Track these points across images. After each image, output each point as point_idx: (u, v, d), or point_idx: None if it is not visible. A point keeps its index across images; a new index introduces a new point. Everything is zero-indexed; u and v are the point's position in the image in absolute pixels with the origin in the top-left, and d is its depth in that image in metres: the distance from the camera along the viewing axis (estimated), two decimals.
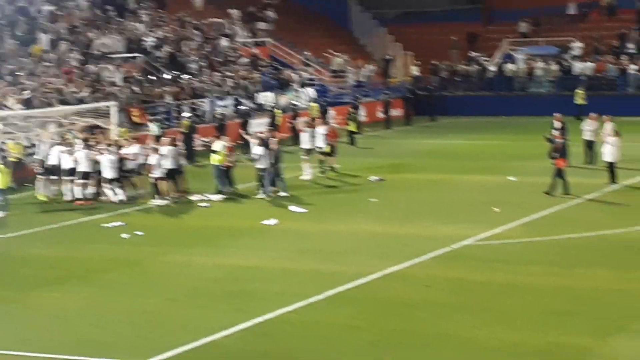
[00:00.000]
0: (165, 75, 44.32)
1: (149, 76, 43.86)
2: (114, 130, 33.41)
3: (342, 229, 24.76)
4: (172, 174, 29.01)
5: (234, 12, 55.01)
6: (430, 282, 19.20)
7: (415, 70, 57.76)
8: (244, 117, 40.82)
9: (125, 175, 29.26)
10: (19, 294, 19.27)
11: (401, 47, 60.33)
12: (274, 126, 40.21)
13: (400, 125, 49.59)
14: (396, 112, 51.37)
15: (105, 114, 34.04)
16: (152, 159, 28.48)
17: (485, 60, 56.84)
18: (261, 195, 28.92)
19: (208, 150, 32.22)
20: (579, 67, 53.35)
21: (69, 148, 29.22)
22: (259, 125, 39.58)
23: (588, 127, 33.87)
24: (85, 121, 33.57)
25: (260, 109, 45.49)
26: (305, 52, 54.97)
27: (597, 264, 20.52)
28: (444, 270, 20.27)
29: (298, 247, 22.68)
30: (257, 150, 29.50)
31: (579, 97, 48.32)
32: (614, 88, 52.32)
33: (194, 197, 29.14)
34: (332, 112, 46.68)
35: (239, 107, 44.51)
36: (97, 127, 33.66)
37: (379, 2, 64.28)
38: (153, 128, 37.02)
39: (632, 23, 57.07)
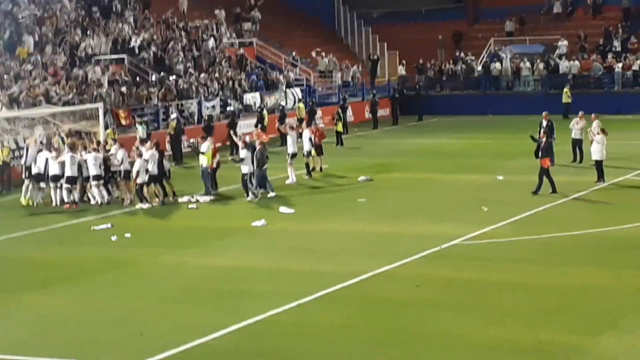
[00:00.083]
0: (152, 77, 44.26)
1: (136, 78, 43.81)
2: (101, 132, 33.31)
3: (332, 229, 24.76)
4: (158, 178, 28.90)
5: (220, 13, 54.97)
6: (420, 281, 19.23)
7: (401, 70, 57.83)
8: (232, 118, 40.79)
9: (111, 175, 29.14)
10: (8, 296, 19.19)
11: (386, 46, 60.39)
12: (262, 127, 40.23)
13: (387, 125, 49.64)
14: (383, 112, 51.42)
15: (92, 116, 33.95)
16: (137, 164, 28.29)
17: (472, 60, 56.93)
18: (249, 198, 28.86)
19: (194, 151, 32.22)
20: (565, 65, 53.51)
21: (55, 154, 29.02)
22: (246, 126, 39.53)
23: (576, 125, 33.95)
24: (72, 126, 33.45)
25: (247, 110, 45.52)
26: (292, 53, 54.99)
27: (586, 262, 20.61)
28: (434, 269, 20.30)
29: (288, 248, 22.67)
30: (242, 153, 29.45)
31: (566, 95, 48.47)
32: (600, 86, 52.53)
33: (182, 199, 29.10)
34: (319, 112, 46.73)
35: (226, 108, 44.49)
36: (85, 132, 33.62)
37: (364, 2, 64.34)
38: (140, 130, 36.95)
39: (618, 20, 57.30)
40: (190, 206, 28.34)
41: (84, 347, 15.87)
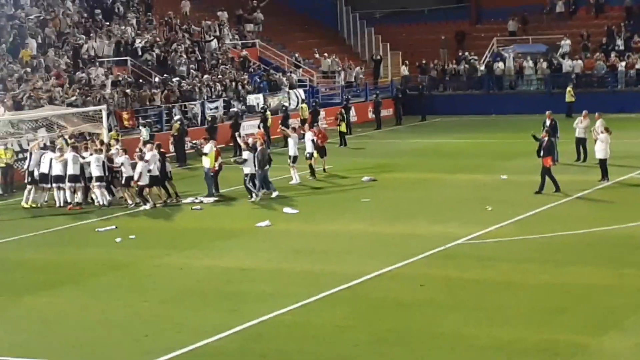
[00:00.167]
0: (155, 79, 44.28)
1: (139, 80, 43.83)
2: (105, 133, 33.32)
3: (336, 229, 24.75)
4: (160, 180, 28.89)
5: (223, 15, 54.99)
6: (424, 281, 19.22)
7: (404, 70, 57.81)
8: (235, 119, 40.80)
9: (114, 175, 29.15)
10: (11, 298, 19.21)
11: (389, 47, 60.36)
12: (265, 128, 40.24)
13: (390, 125, 49.63)
14: (386, 112, 51.40)
15: (95, 118, 33.98)
16: (139, 167, 28.28)
17: (474, 59, 56.90)
18: (253, 199, 28.86)
19: (197, 152, 32.20)
20: (568, 64, 53.46)
21: (59, 154, 29.06)
22: (250, 127, 39.51)
23: (580, 124, 33.90)
24: (75, 128, 33.48)
25: (250, 111, 45.53)
26: (295, 54, 54.98)
27: (589, 261, 20.57)
28: (438, 269, 20.28)
29: (291, 248, 22.66)
30: (244, 154, 29.45)
31: (569, 94, 48.43)
32: (603, 85, 52.47)
33: (185, 200, 29.10)
34: (322, 113, 46.74)
35: (229, 109, 44.49)
36: (89, 134, 33.66)
37: (367, 2, 64.32)
38: (143, 132, 36.96)
39: (621, 19, 57.23)
40: (194, 207, 28.36)
41: (87, 348, 15.86)
